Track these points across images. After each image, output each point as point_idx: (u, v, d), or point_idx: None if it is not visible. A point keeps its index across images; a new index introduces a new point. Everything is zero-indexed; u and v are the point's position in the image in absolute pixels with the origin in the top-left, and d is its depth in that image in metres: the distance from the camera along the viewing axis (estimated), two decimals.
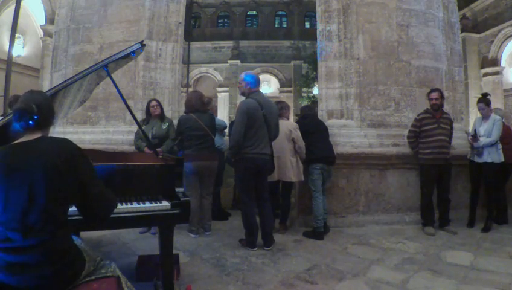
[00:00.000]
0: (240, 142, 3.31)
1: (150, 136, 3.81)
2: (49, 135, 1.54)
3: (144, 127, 3.83)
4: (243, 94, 3.53)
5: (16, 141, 1.39)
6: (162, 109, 4.10)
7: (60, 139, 1.46)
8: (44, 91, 1.84)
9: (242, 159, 3.36)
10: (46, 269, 1.30)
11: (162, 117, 4.07)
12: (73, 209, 1.62)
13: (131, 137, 4.28)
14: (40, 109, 1.40)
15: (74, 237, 1.53)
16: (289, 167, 3.82)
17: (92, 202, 1.44)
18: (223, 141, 4.85)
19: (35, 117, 1.38)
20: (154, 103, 4.03)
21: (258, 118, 3.35)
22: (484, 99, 4.19)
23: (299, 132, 3.87)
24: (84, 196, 1.41)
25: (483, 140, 4.06)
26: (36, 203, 1.28)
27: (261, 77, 20.63)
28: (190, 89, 18.00)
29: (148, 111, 4.05)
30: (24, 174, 1.28)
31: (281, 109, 4.01)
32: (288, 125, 3.94)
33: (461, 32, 7.24)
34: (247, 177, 3.41)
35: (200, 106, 3.82)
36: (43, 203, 1.28)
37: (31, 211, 1.27)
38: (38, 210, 1.28)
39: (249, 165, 3.35)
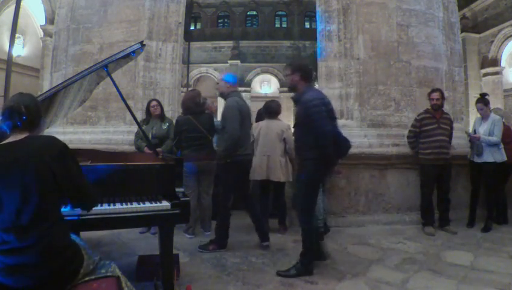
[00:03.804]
0: (238, 140, 3.22)
1: (150, 136, 3.80)
2: (47, 134, 1.56)
3: (144, 127, 3.82)
4: (221, 95, 3.46)
5: (4, 142, 1.40)
6: (162, 109, 4.10)
7: (47, 137, 1.49)
8: (44, 91, 1.84)
9: (237, 161, 3.27)
10: (44, 268, 1.30)
11: (162, 117, 4.07)
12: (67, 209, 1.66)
13: (131, 137, 4.28)
14: (28, 110, 1.42)
15: (73, 236, 1.53)
16: (278, 167, 3.85)
17: (83, 191, 1.49)
18: None
19: (24, 118, 1.40)
20: (154, 103, 4.03)
21: (247, 117, 3.37)
22: (483, 100, 4.19)
23: (290, 132, 3.88)
24: (74, 186, 1.45)
25: (484, 137, 4.05)
26: (29, 202, 1.28)
27: (260, 77, 20.71)
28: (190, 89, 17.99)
29: (148, 111, 4.05)
30: (16, 174, 1.29)
31: (278, 108, 4.06)
32: (280, 125, 3.97)
33: (461, 32, 7.24)
34: (238, 180, 3.37)
35: (194, 107, 3.78)
36: (36, 202, 1.29)
37: (24, 210, 1.28)
38: (31, 209, 1.28)
39: (243, 167, 3.35)
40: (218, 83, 3.53)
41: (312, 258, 2.79)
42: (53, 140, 1.44)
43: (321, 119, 2.63)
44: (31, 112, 1.43)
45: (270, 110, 4.04)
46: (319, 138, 2.64)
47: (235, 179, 3.40)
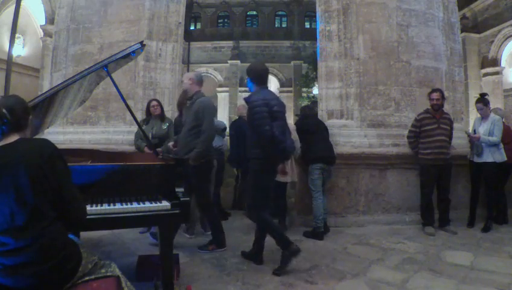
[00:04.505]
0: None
1: (150, 136, 3.81)
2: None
3: (144, 127, 3.82)
4: (185, 92, 3.48)
5: None
6: (162, 109, 4.10)
7: (39, 139, 1.48)
8: (44, 91, 1.84)
9: (211, 161, 3.46)
10: (42, 266, 1.31)
11: (162, 117, 4.07)
12: None
13: (131, 137, 4.28)
14: (11, 112, 1.41)
15: (72, 236, 1.53)
16: (287, 168, 3.83)
17: (67, 204, 1.44)
18: (223, 142, 4.85)
19: (5, 120, 1.39)
20: (154, 103, 4.03)
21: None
22: (482, 100, 4.19)
23: (295, 133, 3.88)
24: (60, 197, 1.41)
25: (484, 137, 4.05)
26: (24, 204, 1.29)
27: None
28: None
29: (148, 111, 4.05)
30: (8, 176, 1.29)
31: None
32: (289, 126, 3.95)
33: (461, 32, 7.24)
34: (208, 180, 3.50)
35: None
36: (31, 203, 1.29)
37: (19, 212, 1.28)
38: (27, 210, 1.29)
39: (212, 167, 3.51)
40: (183, 81, 3.48)
41: (288, 242, 2.78)
42: (46, 142, 1.44)
43: (260, 119, 2.76)
44: (15, 113, 1.42)
45: None
46: (259, 137, 2.78)
47: (209, 179, 3.49)
